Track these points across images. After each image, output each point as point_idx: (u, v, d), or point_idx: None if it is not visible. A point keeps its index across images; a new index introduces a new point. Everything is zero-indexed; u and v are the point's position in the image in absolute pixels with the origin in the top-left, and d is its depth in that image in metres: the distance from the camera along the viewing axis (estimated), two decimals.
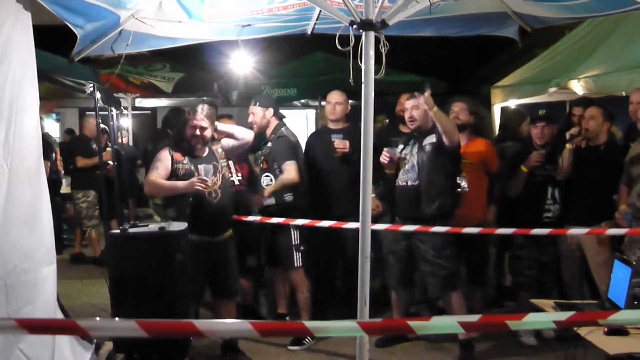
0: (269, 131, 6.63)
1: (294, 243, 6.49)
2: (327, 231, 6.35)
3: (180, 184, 5.67)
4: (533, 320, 2.10)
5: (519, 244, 6.48)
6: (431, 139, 6.05)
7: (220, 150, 6.00)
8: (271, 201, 6.47)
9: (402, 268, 6.23)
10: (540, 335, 6.43)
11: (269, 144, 6.58)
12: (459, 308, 5.99)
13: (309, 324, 1.99)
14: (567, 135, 6.36)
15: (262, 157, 6.63)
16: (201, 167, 5.80)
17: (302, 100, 13.39)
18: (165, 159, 5.78)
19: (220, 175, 5.85)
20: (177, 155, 5.81)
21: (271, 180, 6.50)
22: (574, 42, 9.56)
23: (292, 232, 6.48)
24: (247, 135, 6.15)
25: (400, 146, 6.21)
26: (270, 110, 6.65)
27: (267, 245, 6.76)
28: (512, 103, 10.24)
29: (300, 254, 6.51)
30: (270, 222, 6.38)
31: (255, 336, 2.36)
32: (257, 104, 6.67)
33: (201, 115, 5.77)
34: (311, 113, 14.85)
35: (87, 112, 11.21)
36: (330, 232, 6.42)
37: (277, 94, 11.31)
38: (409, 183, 6.07)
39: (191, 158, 5.83)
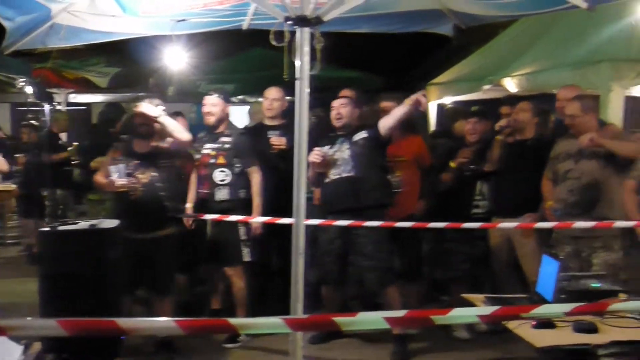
0: (223, 126, 6.56)
1: (242, 239, 6.44)
2: (275, 227, 6.28)
3: (106, 181, 5.87)
4: (457, 315, 2.12)
5: (450, 239, 6.55)
6: (362, 134, 6.07)
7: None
8: (224, 195, 6.40)
9: (337, 265, 6.22)
10: (473, 329, 6.50)
11: (228, 139, 6.50)
12: (396, 302, 6.02)
13: (234, 321, 1.97)
14: (497, 127, 6.46)
15: (215, 152, 6.49)
16: (114, 167, 5.84)
17: (240, 97, 13.32)
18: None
19: (150, 173, 5.83)
20: (116, 153, 5.90)
21: (226, 175, 6.43)
22: (508, 40, 9.72)
23: (242, 228, 6.41)
24: (184, 137, 6.04)
25: (327, 146, 6.18)
26: (228, 106, 6.63)
27: (212, 241, 6.63)
28: (448, 100, 10.37)
29: (248, 250, 6.46)
30: (205, 218, 6.32)
31: (180, 334, 2.33)
32: (219, 96, 6.60)
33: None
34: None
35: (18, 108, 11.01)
36: (279, 228, 6.36)
37: (214, 89, 11.20)
38: (343, 175, 6.06)
39: (126, 156, 5.89)
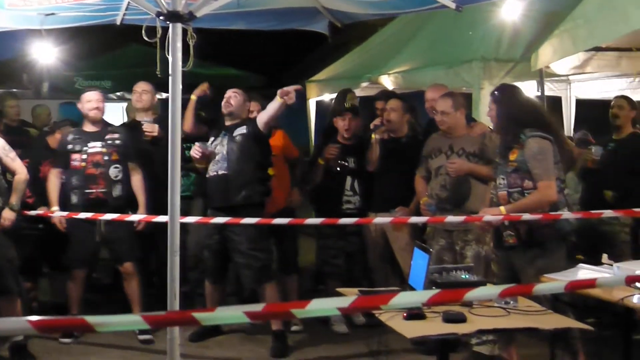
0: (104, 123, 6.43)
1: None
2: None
3: None
4: (317, 307, 2.14)
5: (325, 234, 6.61)
6: (242, 129, 6.07)
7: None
8: (119, 192, 6.26)
9: (216, 261, 6.20)
10: (351, 323, 6.59)
11: (116, 135, 6.33)
12: (273, 299, 6.04)
13: (90, 319, 1.93)
14: (372, 126, 6.57)
15: (106, 149, 6.28)
16: None
17: (118, 93, 13.07)
18: None
19: None
20: None
21: (119, 172, 6.27)
22: (385, 39, 9.93)
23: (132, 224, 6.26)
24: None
25: (212, 139, 6.17)
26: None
27: (105, 239, 6.39)
28: (327, 97, 10.49)
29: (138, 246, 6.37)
30: (78, 217, 6.13)
31: (33, 333, 2.27)
32: (100, 92, 6.44)
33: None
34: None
35: None
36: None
37: (90, 85, 10.96)
38: (219, 172, 6.06)
39: None
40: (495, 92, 5.21)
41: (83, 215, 6.07)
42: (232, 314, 2.07)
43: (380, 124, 6.54)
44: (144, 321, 1.86)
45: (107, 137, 6.33)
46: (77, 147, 6.27)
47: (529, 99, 5.41)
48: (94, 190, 6.23)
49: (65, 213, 6.16)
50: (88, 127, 6.37)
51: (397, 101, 6.56)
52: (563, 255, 4.92)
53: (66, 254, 6.38)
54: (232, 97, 6.18)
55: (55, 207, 6.22)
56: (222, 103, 6.22)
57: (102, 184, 6.24)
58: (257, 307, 2.07)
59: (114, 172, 6.27)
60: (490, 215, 4.94)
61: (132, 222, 6.22)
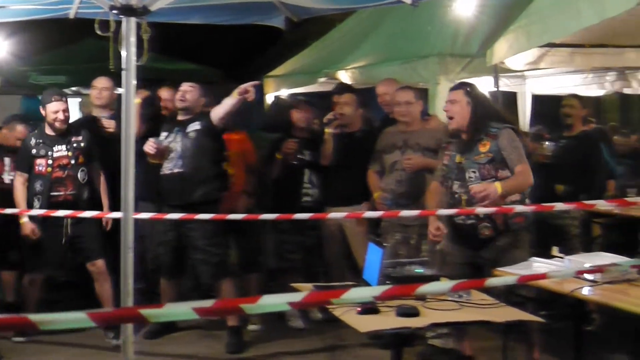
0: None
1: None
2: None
3: None
4: (267, 302, 2.14)
5: (282, 229, 6.62)
6: (195, 125, 6.04)
7: None
8: (87, 194, 6.22)
9: (172, 257, 6.16)
10: (308, 318, 6.61)
11: (80, 137, 6.24)
12: (229, 295, 6.03)
13: (33, 316, 1.90)
14: (325, 120, 6.59)
15: (72, 153, 6.19)
16: None
17: (74, 88, 12.90)
18: None
19: None
20: None
21: (85, 174, 6.22)
22: (343, 34, 9.94)
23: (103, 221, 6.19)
24: None
25: (164, 134, 6.12)
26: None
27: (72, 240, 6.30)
28: (284, 92, 10.48)
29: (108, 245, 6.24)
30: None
31: None
32: (64, 98, 6.29)
33: None
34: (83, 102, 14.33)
35: None
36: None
37: (45, 81, 10.82)
38: (175, 170, 6.02)
39: None
40: (467, 89, 5.19)
41: (35, 212, 5.98)
42: (181, 310, 2.05)
43: (333, 118, 6.55)
44: (89, 319, 1.84)
45: (72, 139, 6.23)
46: (42, 152, 6.16)
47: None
48: (62, 193, 6.13)
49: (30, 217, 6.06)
50: (50, 131, 6.22)
51: (351, 95, 6.58)
52: (529, 248, 4.98)
53: (28, 258, 6.31)
54: (188, 92, 6.14)
55: (25, 219, 6.08)
56: (177, 97, 6.17)
57: (70, 187, 6.15)
58: (207, 303, 2.06)
59: (81, 175, 6.21)
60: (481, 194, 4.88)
61: (100, 221, 6.16)
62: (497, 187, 4.77)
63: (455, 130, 5.13)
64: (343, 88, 7.13)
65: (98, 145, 6.42)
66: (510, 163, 4.88)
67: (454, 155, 5.14)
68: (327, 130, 6.50)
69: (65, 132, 6.23)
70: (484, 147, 4.96)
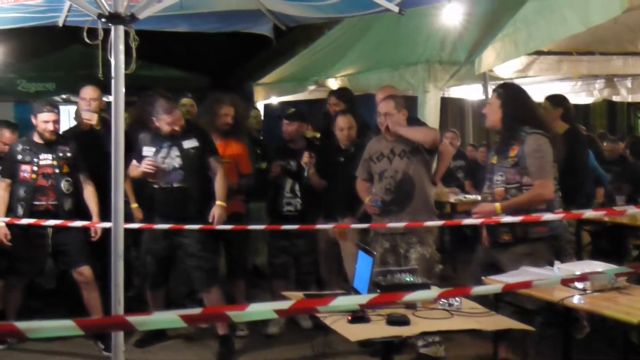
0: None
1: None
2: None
3: None
4: (254, 310, 2.13)
5: (272, 237, 6.64)
6: (193, 142, 6.05)
7: None
8: (70, 205, 6.17)
9: (159, 267, 6.15)
10: (299, 326, 6.61)
11: (67, 147, 6.21)
12: (218, 302, 6.03)
13: (21, 324, 1.89)
14: (302, 164, 6.50)
15: (57, 162, 6.14)
16: None
17: (64, 96, 12.87)
18: None
19: None
20: None
21: (71, 185, 6.18)
22: (332, 42, 9.97)
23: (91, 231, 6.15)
24: None
25: (152, 149, 6.08)
26: None
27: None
28: (274, 100, 10.49)
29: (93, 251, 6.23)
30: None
31: None
32: (55, 109, 6.24)
33: None
34: (73, 109, 14.25)
35: None
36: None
37: (34, 88, 10.81)
38: (174, 185, 6.01)
39: None
40: (501, 90, 5.24)
41: (25, 221, 5.95)
42: (168, 317, 2.05)
43: (308, 161, 6.47)
44: (77, 326, 1.83)
45: (59, 148, 6.20)
46: (27, 158, 6.12)
47: (532, 98, 5.44)
48: (43, 202, 6.09)
49: (4, 222, 5.99)
50: (38, 138, 6.19)
51: (349, 118, 6.50)
52: (549, 258, 4.84)
53: (10, 265, 6.25)
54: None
55: (0, 223, 6.04)
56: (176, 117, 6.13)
57: (53, 197, 6.11)
58: (194, 311, 2.06)
59: (65, 185, 6.16)
60: (478, 214, 4.99)
61: (83, 229, 6.11)
62: (497, 208, 4.90)
63: (491, 129, 5.19)
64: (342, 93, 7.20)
65: (89, 155, 6.37)
66: (530, 175, 4.91)
67: (491, 154, 5.24)
68: (310, 171, 6.48)
69: (53, 142, 6.20)
70: (513, 152, 5.01)
